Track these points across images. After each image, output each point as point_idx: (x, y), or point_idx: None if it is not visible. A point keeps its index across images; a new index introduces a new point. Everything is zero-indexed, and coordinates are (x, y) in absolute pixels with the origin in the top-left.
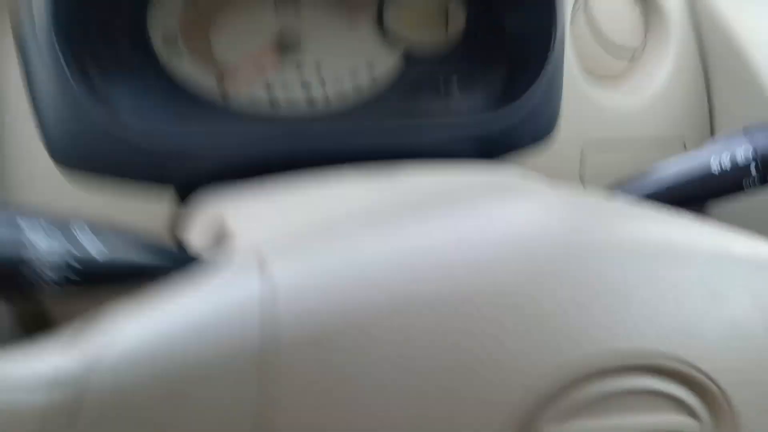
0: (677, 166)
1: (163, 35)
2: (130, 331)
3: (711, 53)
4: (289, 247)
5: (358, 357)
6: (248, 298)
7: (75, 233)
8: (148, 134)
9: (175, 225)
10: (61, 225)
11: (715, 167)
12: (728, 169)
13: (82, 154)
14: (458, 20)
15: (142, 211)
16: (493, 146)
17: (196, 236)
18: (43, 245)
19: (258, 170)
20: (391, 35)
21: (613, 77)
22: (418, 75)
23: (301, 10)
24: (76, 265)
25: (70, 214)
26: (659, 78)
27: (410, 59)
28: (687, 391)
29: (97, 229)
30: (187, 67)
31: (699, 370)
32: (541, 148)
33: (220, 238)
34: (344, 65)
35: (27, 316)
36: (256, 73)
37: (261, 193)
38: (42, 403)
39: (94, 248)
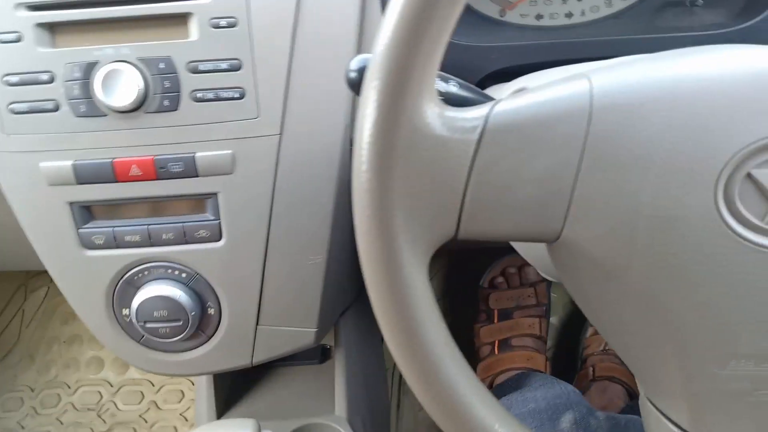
0: None
1: None
2: (511, 100)
3: None
4: (610, 65)
5: (644, 120)
6: (582, 85)
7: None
8: (458, 42)
9: None
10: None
11: None
12: None
13: None
14: None
15: None
16: None
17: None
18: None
19: (528, 68)
20: None
21: None
22: None
23: None
24: (442, 90)
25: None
26: None
27: None
28: None
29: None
30: (476, 3)
31: None
32: None
33: None
34: None
35: None
36: (530, 5)
37: (541, 75)
38: (468, 126)
39: (453, 84)
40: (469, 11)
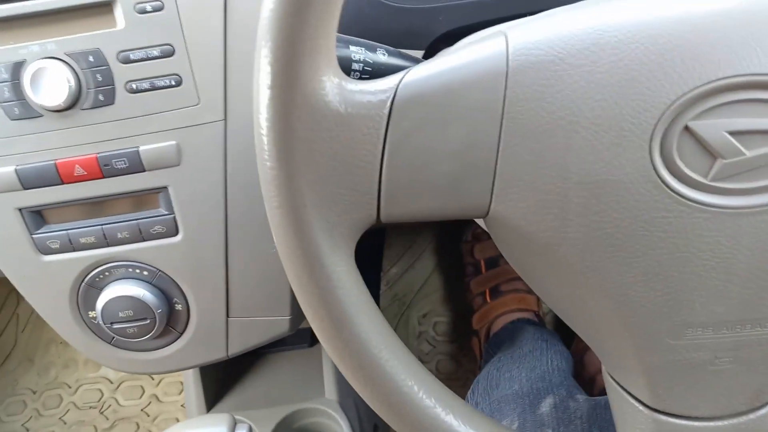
0: None
1: None
2: (423, 66)
3: None
4: (529, 20)
5: (570, 76)
6: (498, 44)
7: (373, 47)
8: (404, 6)
9: None
10: (365, 43)
11: None
12: None
13: (350, 27)
14: None
15: None
16: None
17: None
18: (353, 48)
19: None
20: None
21: None
22: None
23: None
24: (369, 60)
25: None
26: None
27: None
28: None
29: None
30: None
31: None
32: None
33: None
34: None
35: None
36: None
37: None
38: (374, 100)
39: (381, 52)
40: None
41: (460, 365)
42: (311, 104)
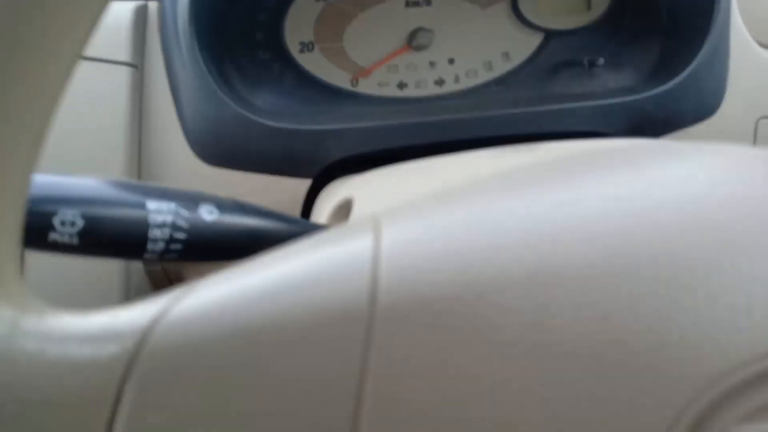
0: None
1: (300, 43)
2: (212, 284)
3: None
4: (409, 210)
5: (473, 327)
6: (359, 257)
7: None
8: (285, 126)
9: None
10: (180, 194)
11: None
12: None
13: (222, 149)
14: None
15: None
16: (647, 126)
17: (325, 212)
18: (152, 206)
19: (386, 154)
20: (528, 22)
21: None
22: (557, 54)
23: (432, 9)
24: (183, 224)
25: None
26: None
27: (550, 39)
28: None
29: (220, 199)
30: (322, 70)
31: None
32: (707, 122)
33: (344, 214)
34: (478, 57)
35: (161, 279)
36: (389, 71)
37: (386, 175)
38: (101, 353)
39: (207, 211)
40: (308, 81)
41: None
42: None
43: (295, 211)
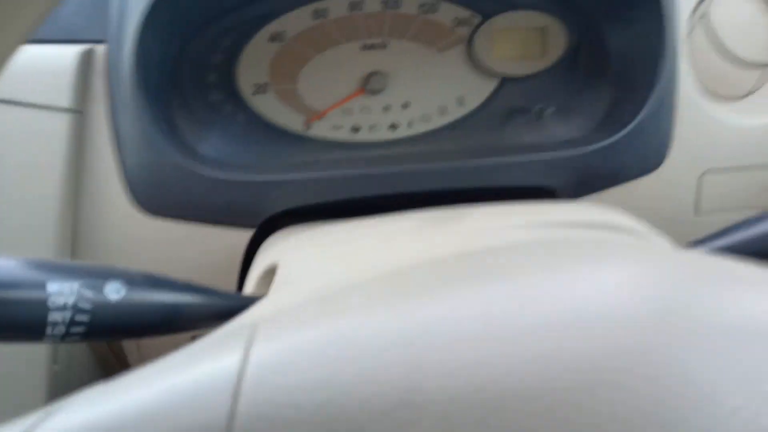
0: None
1: (254, 84)
2: (75, 407)
3: None
4: (288, 320)
5: None
6: (223, 378)
7: (101, 278)
8: (228, 178)
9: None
10: (86, 271)
11: None
12: None
13: (163, 199)
14: (558, 43)
15: (216, 253)
16: (592, 180)
17: (253, 278)
18: (53, 288)
19: (330, 205)
20: (484, 67)
21: (738, 96)
22: (511, 100)
23: (388, 53)
24: (85, 305)
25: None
26: None
27: (504, 84)
28: None
29: (129, 274)
30: (274, 112)
31: None
32: (652, 176)
33: (268, 283)
34: (433, 102)
35: (103, 355)
36: (343, 114)
37: (311, 241)
38: None
39: (113, 290)
40: (260, 124)
41: None
42: None
43: (237, 261)
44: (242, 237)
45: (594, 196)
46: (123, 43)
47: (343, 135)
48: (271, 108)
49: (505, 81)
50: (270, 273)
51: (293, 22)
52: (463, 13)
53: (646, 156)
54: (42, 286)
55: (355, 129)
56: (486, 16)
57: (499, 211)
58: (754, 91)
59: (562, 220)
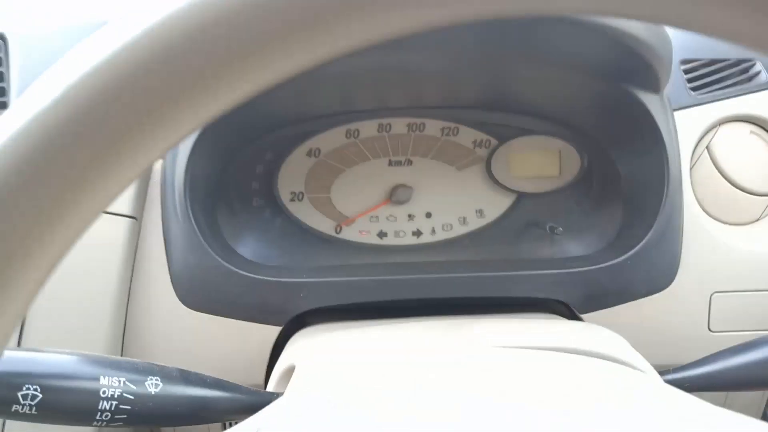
0: None
1: (291, 192)
2: None
3: None
4: None
5: None
6: None
7: (143, 374)
8: (262, 278)
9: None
10: (131, 367)
11: None
12: None
13: (203, 295)
14: (571, 165)
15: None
16: (602, 296)
17: (275, 376)
18: (104, 381)
19: (354, 306)
20: (501, 184)
21: (745, 222)
22: (527, 214)
23: (413, 169)
24: (129, 397)
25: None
26: None
27: (521, 200)
28: None
29: (166, 371)
30: (309, 217)
31: None
32: (663, 294)
33: (288, 380)
34: (454, 213)
35: None
36: (370, 221)
37: (334, 345)
38: None
39: (152, 384)
40: (295, 227)
41: None
42: None
43: (266, 353)
44: (272, 332)
45: (606, 311)
46: (176, 159)
47: (371, 239)
48: (305, 213)
49: (522, 197)
50: (289, 372)
51: (328, 140)
52: (481, 136)
53: (654, 276)
54: (96, 378)
55: (382, 234)
56: (503, 140)
57: (503, 329)
58: (761, 218)
59: (554, 347)
